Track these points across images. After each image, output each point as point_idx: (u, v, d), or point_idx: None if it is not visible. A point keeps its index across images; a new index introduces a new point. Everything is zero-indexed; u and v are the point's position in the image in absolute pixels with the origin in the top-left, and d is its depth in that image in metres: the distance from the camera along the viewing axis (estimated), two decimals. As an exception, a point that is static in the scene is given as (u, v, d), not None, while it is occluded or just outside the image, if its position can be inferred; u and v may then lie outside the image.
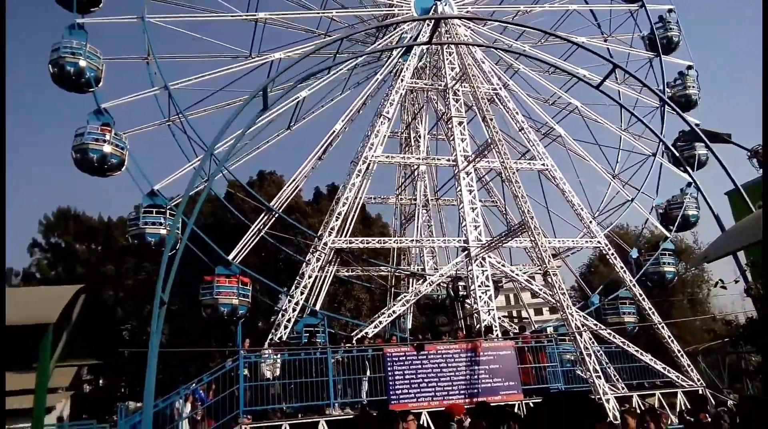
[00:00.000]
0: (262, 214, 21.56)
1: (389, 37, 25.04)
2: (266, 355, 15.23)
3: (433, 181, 29.61)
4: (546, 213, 25.99)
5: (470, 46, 23.64)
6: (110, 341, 31.05)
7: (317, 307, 22.66)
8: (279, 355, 15.13)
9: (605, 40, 27.41)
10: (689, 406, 17.75)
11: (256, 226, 21.18)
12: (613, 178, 26.33)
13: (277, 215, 22.27)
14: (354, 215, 25.63)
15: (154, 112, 21.56)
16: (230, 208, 22.85)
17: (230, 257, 20.01)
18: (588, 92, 27.21)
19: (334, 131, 22.37)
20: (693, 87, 27.36)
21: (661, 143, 25.59)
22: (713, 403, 17.52)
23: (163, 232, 19.11)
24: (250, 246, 20.89)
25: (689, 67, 27.88)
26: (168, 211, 19.57)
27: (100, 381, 35.85)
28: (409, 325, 27.20)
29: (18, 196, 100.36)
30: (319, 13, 24.86)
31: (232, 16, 23.31)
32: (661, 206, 26.42)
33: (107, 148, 19.22)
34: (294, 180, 23.12)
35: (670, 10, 28.70)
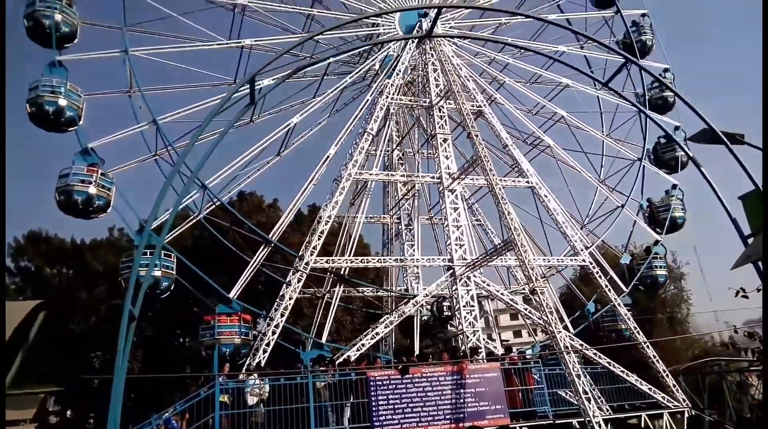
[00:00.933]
0: (261, 248, 20.78)
1: (374, 57, 24.91)
2: (251, 381, 14.53)
3: (427, 200, 29.31)
4: (540, 228, 25.87)
5: (455, 65, 23.56)
6: (79, 369, 29.74)
7: (324, 338, 22.00)
8: (264, 381, 14.45)
9: (581, 47, 27.70)
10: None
11: (256, 260, 20.40)
12: (601, 183, 26.39)
13: (260, 236, 21.77)
14: (354, 238, 25.18)
15: (137, 145, 20.80)
16: (222, 238, 22.02)
17: (231, 294, 19.30)
18: (570, 102, 27.41)
19: (328, 156, 21.89)
20: (671, 96, 27.42)
21: (645, 147, 26.33)
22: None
23: (158, 273, 18.47)
24: (247, 280, 20.14)
25: (666, 70, 28.11)
26: (162, 253, 18.75)
27: (68, 412, 34.25)
28: (417, 349, 26.50)
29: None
30: (303, 36, 24.43)
31: (217, 44, 22.75)
32: (646, 209, 26.45)
33: (93, 190, 18.49)
34: (290, 209, 22.60)
35: (643, 15, 29.07)
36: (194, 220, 20.91)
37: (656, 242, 25.52)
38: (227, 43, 22.82)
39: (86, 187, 18.45)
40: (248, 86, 9.56)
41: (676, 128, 26.53)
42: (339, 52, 23.98)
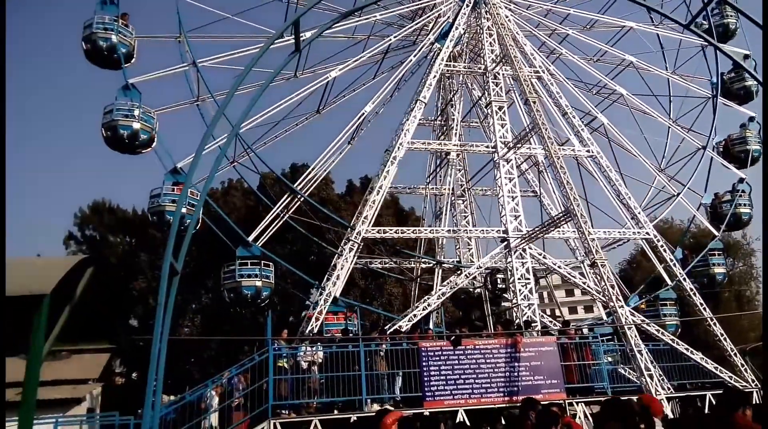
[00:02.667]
0: (346, 237, 20.59)
1: (426, 17, 24.10)
2: (302, 348, 14.69)
3: (466, 169, 28.64)
4: (586, 204, 24.86)
5: (511, 31, 22.54)
6: (143, 332, 30.99)
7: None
8: (317, 348, 14.58)
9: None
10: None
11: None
12: (673, 123, 25.15)
13: (311, 207, 21.83)
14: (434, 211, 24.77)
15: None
16: (311, 236, 22.41)
17: (337, 293, 19.40)
18: (626, 46, 25.92)
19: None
20: (750, 79, 25.31)
21: (717, 82, 24.96)
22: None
23: (259, 283, 19.04)
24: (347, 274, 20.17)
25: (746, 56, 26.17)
26: (262, 263, 19.36)
27: (133, 374, 35.88)
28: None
29: (55, 189, 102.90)
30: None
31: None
32: (720, 144, 25.26)
33: (183, 210, 18.88)
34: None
35: None
36: (281, 221, 21.08)
37: (741, 180, 24.28)
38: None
39: (174, 206, 18.91)
40: (292, 35, 9.12)
41: (746, 57, 24.70)
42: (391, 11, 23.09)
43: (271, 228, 20.72)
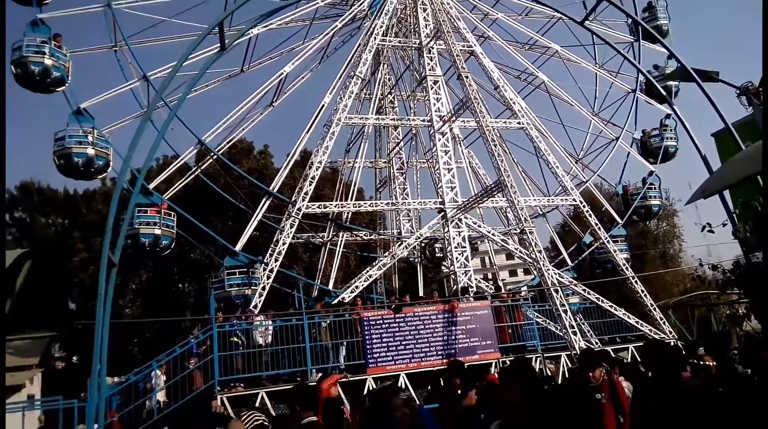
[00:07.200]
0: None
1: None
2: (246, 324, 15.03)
3: (422, 142, 29.16)
4: (538, 169, 26.24)
5: (444, 6, 22.90)
6: (80, 316, 30.34)
7: (331, 285, 22.95)
8: (266, 324, 14.98)
9: None
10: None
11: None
12: (594, 116, 26.49)
13: (251, 183, 21.83)
14: (355, 184, 25.27)
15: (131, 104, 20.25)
16: (221, 192, 21.97)
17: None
18: (560, 36, 26.79)
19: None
20: (663, 18, 27.04)
21: (638, 75, 25.98)
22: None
23: (248, 292, 19.11)
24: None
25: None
26: (249, 271, 19.36)
27: (73, 358, 35.13)
28: (421, 291, 27.03)
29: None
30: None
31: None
32: (639, 139, 26.65)
33: (158, 231, 18.68)
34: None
35: None
36: (192, 175, 20.75)
37: (651, 173, 25.71)
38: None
39: (153, 229, 18.66)
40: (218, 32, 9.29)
41: (669, 57, 26.32)
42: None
43: (181, 182, 20.76)
